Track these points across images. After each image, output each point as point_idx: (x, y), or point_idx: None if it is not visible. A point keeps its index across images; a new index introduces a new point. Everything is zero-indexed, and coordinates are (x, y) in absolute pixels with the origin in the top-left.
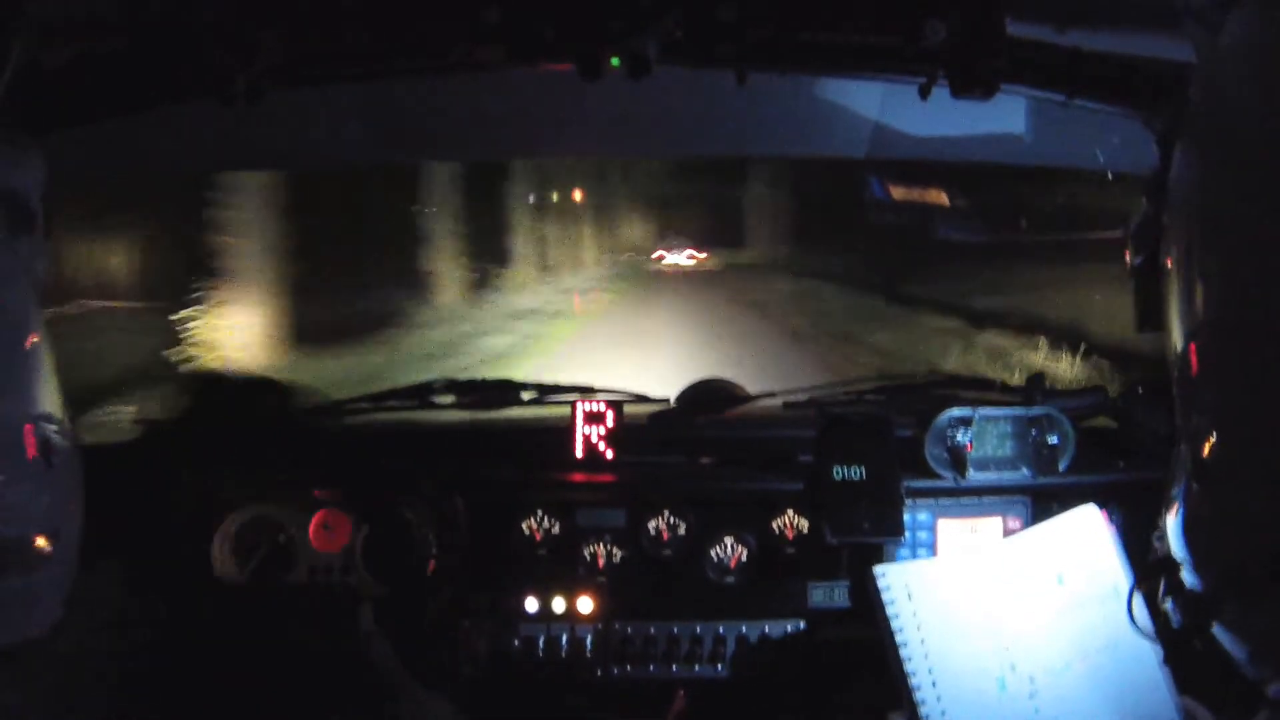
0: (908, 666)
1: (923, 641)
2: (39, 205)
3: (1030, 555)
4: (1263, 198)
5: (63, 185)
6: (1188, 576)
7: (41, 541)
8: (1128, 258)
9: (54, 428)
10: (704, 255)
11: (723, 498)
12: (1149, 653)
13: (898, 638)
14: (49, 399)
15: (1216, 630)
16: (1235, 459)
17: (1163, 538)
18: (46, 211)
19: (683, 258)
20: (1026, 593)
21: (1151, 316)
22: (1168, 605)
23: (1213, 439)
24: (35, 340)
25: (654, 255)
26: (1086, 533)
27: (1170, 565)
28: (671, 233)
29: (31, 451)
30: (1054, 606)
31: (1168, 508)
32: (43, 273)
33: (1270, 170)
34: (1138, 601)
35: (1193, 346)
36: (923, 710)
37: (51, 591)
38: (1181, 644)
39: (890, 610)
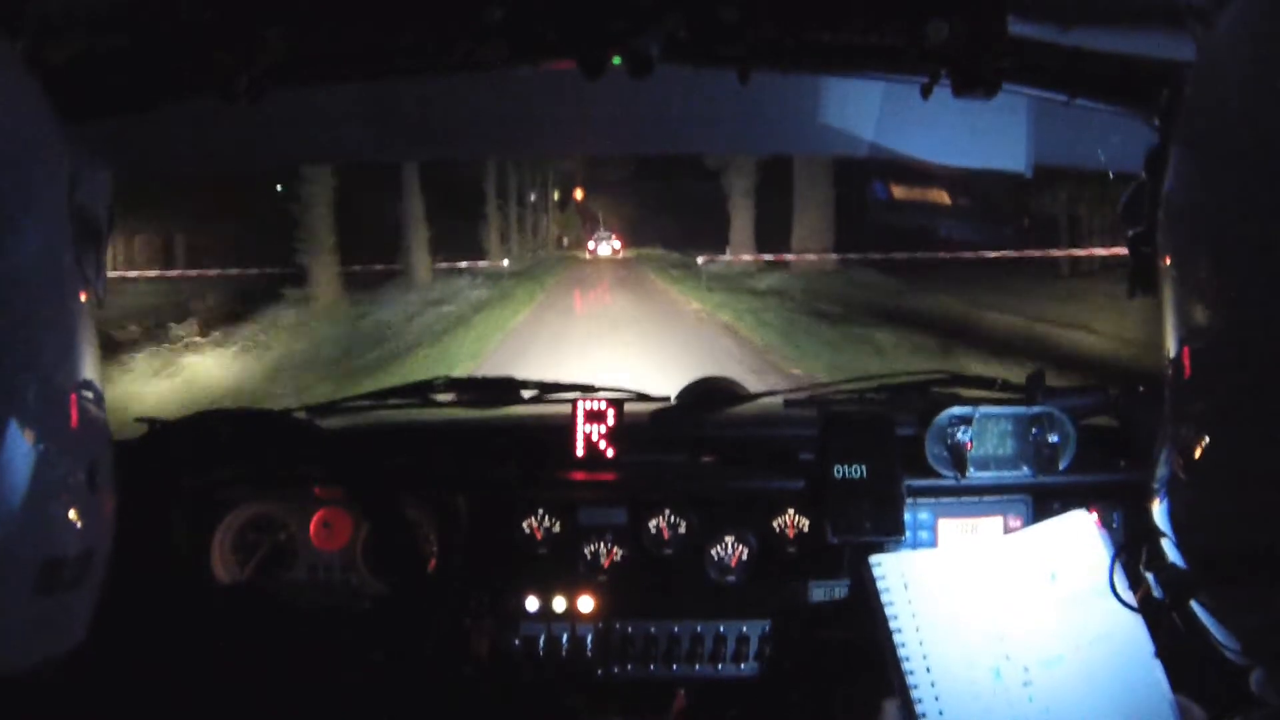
0: (901, 652)
1: (917, 629)
2: (106, 223)
3: (1023, 553)
4: (1255, 198)
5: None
6: (1169, 551)
7: (84, 563)
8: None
9: (103, 464)
10: (620, 248)
11: (724, 496)
12: (1143, 646)
13: (892, 625)
14: (99, 412)
15: (1196, 608)
16: (1222, 461)
17: (1147, 516)
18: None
19: (608, 250)
20: (1020, 587)
21: (1142, 283)
22: (1149, 578)
23: (1201, 441)
24: (91, 355)
25: (588, 247)
26: (1078, 536)
27: (1152, 538)
28: (601, 230)
29: (87, 485)
30: (1047, 601)
31: (1152, 495)
32: (102, 293)
33: (1263, 170)
34: (1119, 573)
35: (1186, 350)
36: (915, 695)
37: (85, 606)
38: (1162, 616)
39: (885, 599)
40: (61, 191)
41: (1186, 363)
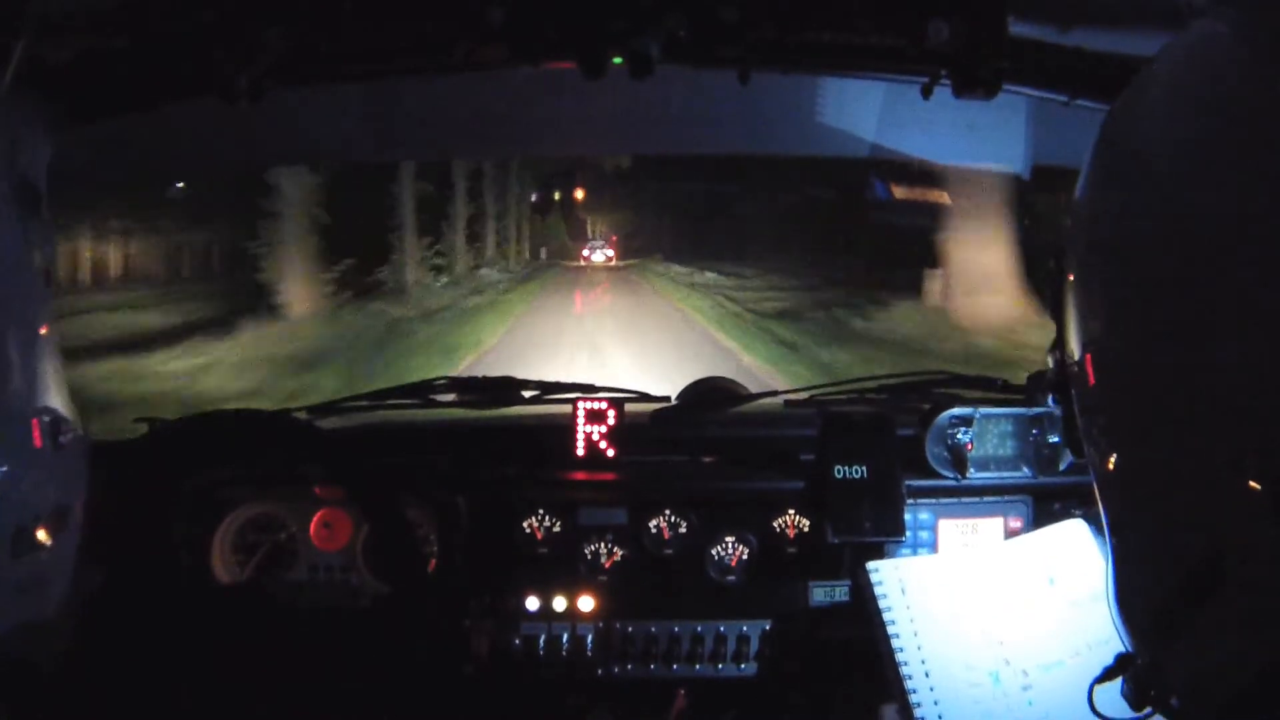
0: (899, 657)
1: (915, 634)
2: (45, 188)
3: (1021, 559)
4: (1155, 202)
5: (63, 183)
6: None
7: (42, 533)
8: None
9: (62, 418)
10: (614, 255)
11: (724, 497)
12: None
13: (890, 630)
14: (57, 388)
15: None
16: (1131, 477)
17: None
18: (51, 195)
19: (602, 257)
20: (1018, 592)
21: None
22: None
23: (1112, 455)
24: (45, 329)
25: (581, 254)
26: (1075, 542)
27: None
28: (594, 238)
29: (38, 441)
30: (1046, 606)
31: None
32: (50, 258)
33: (1166, 189)
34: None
35: (1088, 358)
36: (914, 699)
37: (58, 581)
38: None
39: (883, 604)
40: (6, 171)
41: (1090, 370)
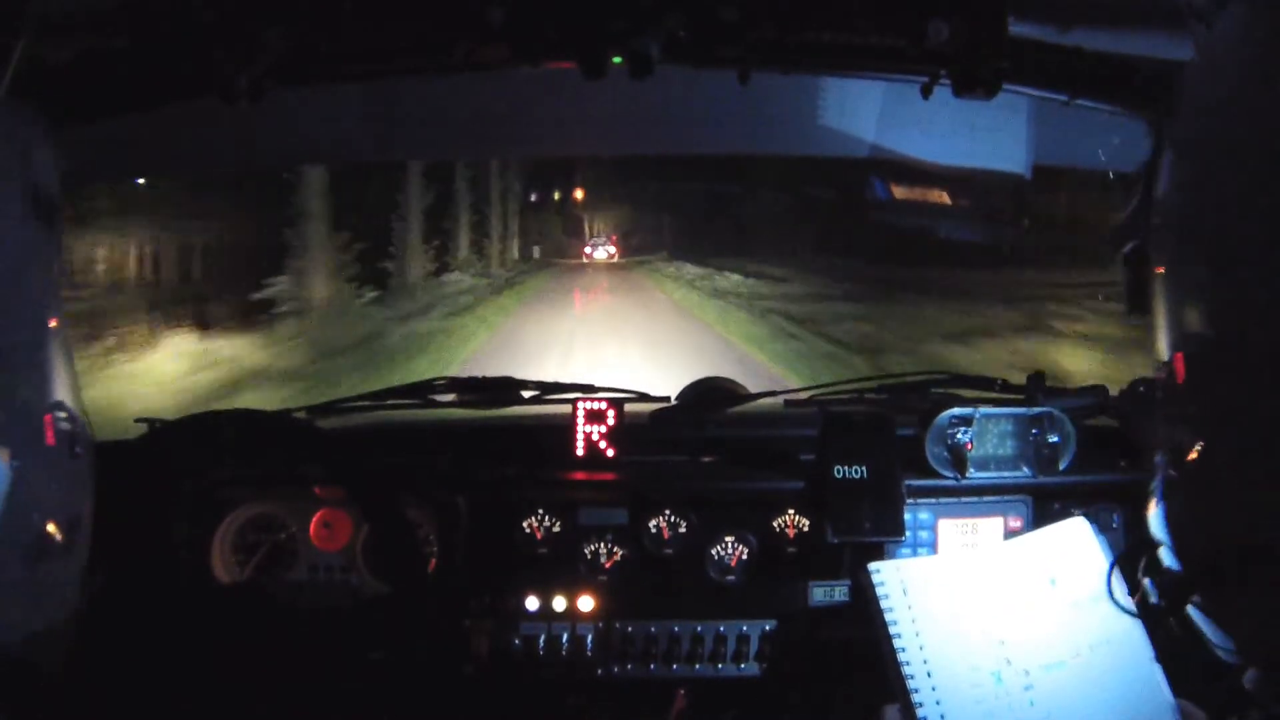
0: (901, 656)
1: (917, 635)
2: (59, 193)
3: (1022, 559)
4: (1252, 200)
5: (64, 182)
6: (1166, 557)
7: (54, 530)
8: (1120, 246)
9: (72, 417)
10: (616, 252)
11: (724, 497)
12: (1143, 650)
13: (892, 630)
14: (68, 387)
15: (1192, 611)
16: (1216, 465)
17: (1144, 523)
18: (62, 196)
19: (604, 254)
20: (1020, 592)
21: (1139, 302)
22: (1146, 583)
23: (1196, 444)
24: (56, 327)
25: (584, 250)
26: (1076, 542)
27: (1150, 544)
28: (598, 235)
29: (50, 439)
30: (1047, 606)
31: (1149, 500)
32: (60, 261)
33: (1259, 172)
34: (1117, 578)
35: (1179, 356)
36: (917, 699)
37: (68, 581)
38: (1159, 620)
39: (885, 604)
40: (15, 177)
41: (1180, 367)
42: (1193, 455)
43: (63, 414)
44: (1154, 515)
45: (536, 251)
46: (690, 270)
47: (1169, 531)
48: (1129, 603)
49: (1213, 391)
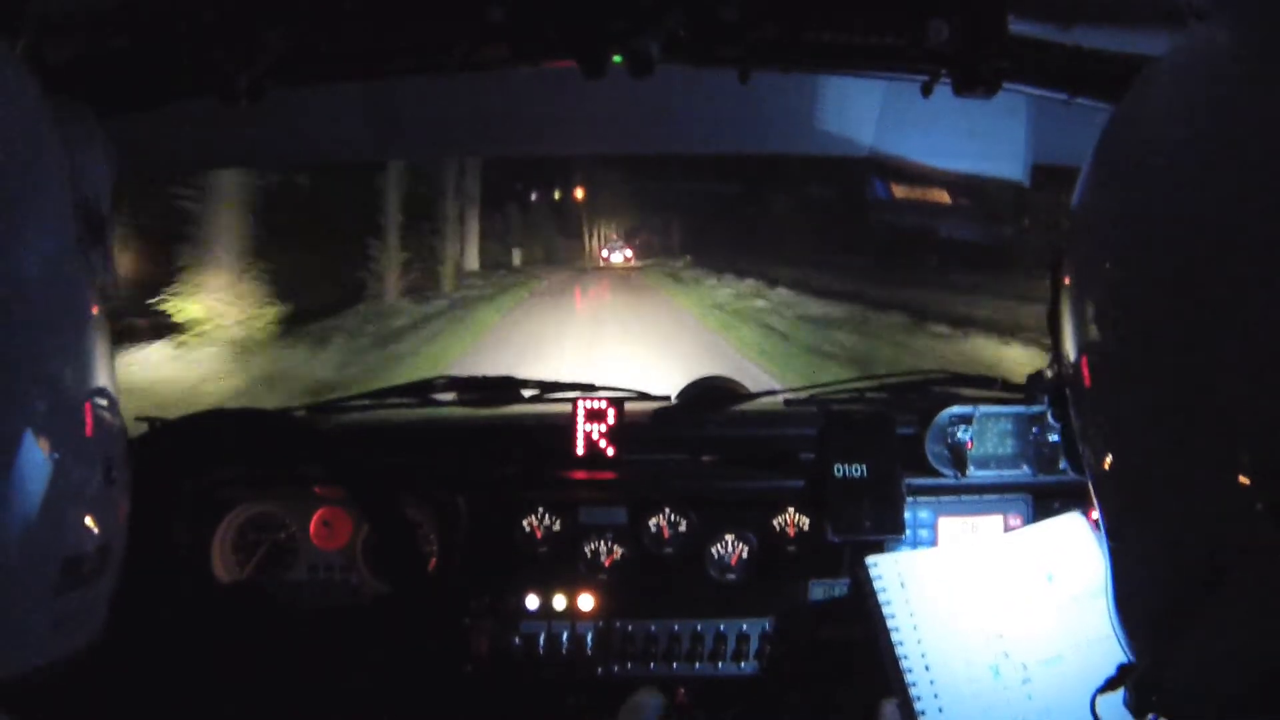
0: (899, 650)
1: (915, 628)
2: (110, 212)
3: (1021, 553)
4: (1149, 205)
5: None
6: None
7: (92, 525)
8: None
9: (112, 406)
10: (632, 256)
11: (724, 496)
12: None
13: (889, 624)
14: (109, 377)
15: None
16: (1127, 479)
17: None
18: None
19: (620, 259)
20: (1018, 587)
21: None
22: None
23: (1108, 456)
24: (97, 315)
25: (601, 255)
26: (1073, 537)
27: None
28: (614, 241)
29: (89, 431)
30: (1046, 601)
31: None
32: (111, 284)
33: (1166, 192)
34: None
35: (1084, 360)
36: (915, 693)
37: (105, 599)
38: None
39: (883, 598)
40: (64, 188)
41: (1086, 373)
42: (1106, 465)
43: (103, 402)
44: (1096, 515)
45: (516, 256)
46: (730, 288)
47: (1107, 535)
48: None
49: (1116, 399)
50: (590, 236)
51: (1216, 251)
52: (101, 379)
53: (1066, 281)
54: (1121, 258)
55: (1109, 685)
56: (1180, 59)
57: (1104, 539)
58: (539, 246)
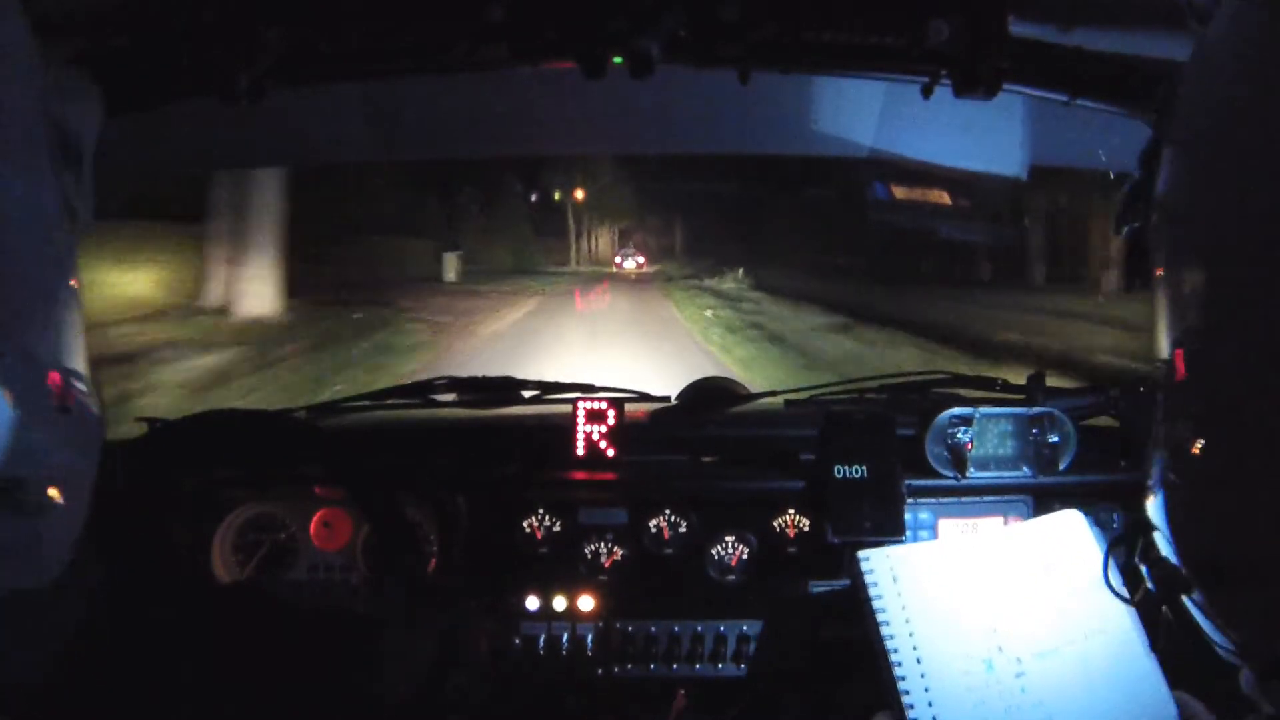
0: (890, 644)
1: (907, 622)
2: (91, 146)
3: (1015, 547)
4: (1250, 199)
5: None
6: (1162, 545)
7: (53, 491)
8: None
9: (79, 381)
10: (645, 262)
11: (724, 496)
12: (1137, 640)
13: (880, 618)
14: (78, 349)
15: (1188, 604)
16: (1216, 464)
17: (1142, 514)
18: (95, 156)
19: (633, 264)
20: (1013, 581)
21: (1135, 281)
22: (1143, 570)
23: (1196, 443)
24: (74, 285)
25: (614, 261)
26: (1070, 533)
27: (1147, 529)
28: (627, 247)
29: (55, 399)
30: (1041, 593)
31: (1147, 497)
32: (87, 216)
33: (1258, 170)
34: (1113, 567)
35: (1180, 352)
36: (904, 686)
37: (56, 542)
38: (1156, 610)
39: (874, 592)
40: (37, 106)
41: (1180, 364)
42: (1192, 453)
43: (71, 372)
44: (1153, 509)
45: (451, 267)
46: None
47: (1168, 527)
48: (1124, 592)
49: (1212, 389)
50: (579, 232)
51: None
52: (69, 302)
53: (1159, 273)
54: (1215, 246)
55: (1270, 672)
56: (1230, 40)
57: (1169, 541)
58: (508, 247)
